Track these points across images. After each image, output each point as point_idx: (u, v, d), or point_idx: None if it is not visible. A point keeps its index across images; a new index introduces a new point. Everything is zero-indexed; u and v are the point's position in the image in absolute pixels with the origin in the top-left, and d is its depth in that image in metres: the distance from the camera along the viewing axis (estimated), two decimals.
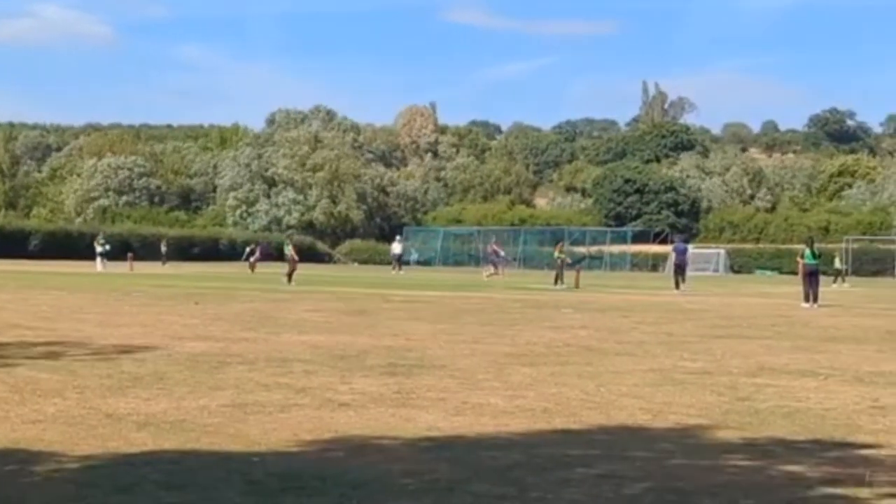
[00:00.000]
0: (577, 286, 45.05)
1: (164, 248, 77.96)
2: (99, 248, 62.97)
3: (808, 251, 35.89)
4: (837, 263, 61.08)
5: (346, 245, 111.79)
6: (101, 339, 17.02)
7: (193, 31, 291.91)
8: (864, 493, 7.04)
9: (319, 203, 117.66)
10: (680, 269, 48.72)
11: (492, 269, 52.58)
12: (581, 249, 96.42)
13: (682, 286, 45.89)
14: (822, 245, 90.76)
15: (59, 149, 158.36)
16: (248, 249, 69.82)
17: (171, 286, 38.51)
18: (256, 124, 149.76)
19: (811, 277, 34.76)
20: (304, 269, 61.90)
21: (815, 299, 33.58)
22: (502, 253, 54.40)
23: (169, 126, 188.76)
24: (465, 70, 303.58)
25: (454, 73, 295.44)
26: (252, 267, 62.37)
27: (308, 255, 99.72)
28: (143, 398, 10.76)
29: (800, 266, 36.11)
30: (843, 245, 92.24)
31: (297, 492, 6.83)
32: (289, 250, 45.90)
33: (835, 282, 58.99)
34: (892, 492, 7.12)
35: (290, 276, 43.07)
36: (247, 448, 8.33)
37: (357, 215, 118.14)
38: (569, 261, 50.24)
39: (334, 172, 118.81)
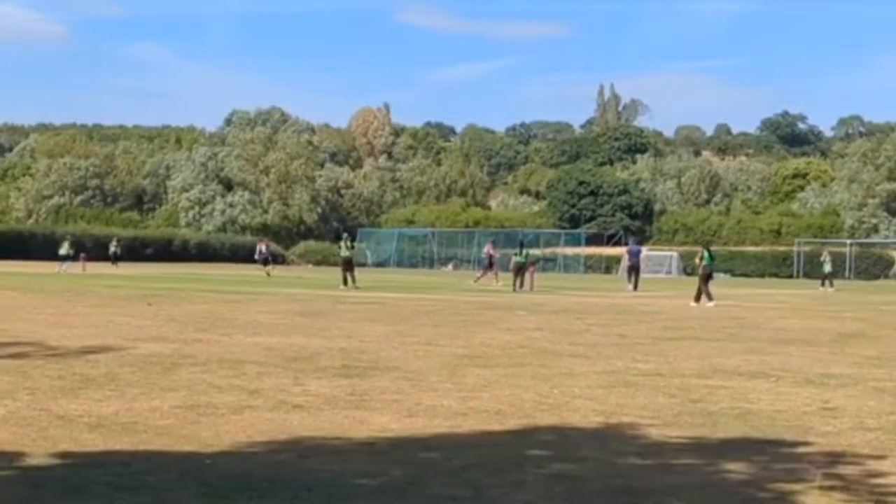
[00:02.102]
0: (531, 288, 45.13)
1: (112, 249, 77.35)
2: (62, 251, 63.48)
3: (706, 253, 37.06)
4: (827, 267, 61.23)
5: (301, 246, 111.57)
6: (53, 339, 16.89)
7: (148, 31, 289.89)
8: (812, 491, 7.10)
9: (272, 204, 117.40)
10: (634, 271, 49.12)
11: (480, 273, 52.23)
12: (535, 251, 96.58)
13: (634, 287, 46.27)
14: (803, 248, 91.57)
15: (10, 149, 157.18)
16: (262, 250, 66.99)
17: (124, 287, 38.28)
18: (211, 125, 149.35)
19: (708, 279, 36.04)
20: (257, 271, 61.80)
21: (710, 298, 34.36)
22: (497, 256, 53.97)
23: (122, 126, 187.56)
24: (419, 71, 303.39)
25: (409, 74, 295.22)
26: (268, 272, 60.65)
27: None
28: (95, 399, 10.69)
29: (699, 267, 37.19)
30: (847, 249, 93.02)
31: (249, 493, 6.81)
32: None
33: (822, 285, 59.26)
34: (838, 487, 7.18)
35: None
36: (199, 450, 8.29)
37: (310, 217, 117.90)
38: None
39: (285, 174, 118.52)
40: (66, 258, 62.45)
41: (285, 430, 9.18)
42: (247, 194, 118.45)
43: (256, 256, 66.94)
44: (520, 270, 46.10)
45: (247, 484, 7.08)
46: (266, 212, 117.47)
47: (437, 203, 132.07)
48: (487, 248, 54.97)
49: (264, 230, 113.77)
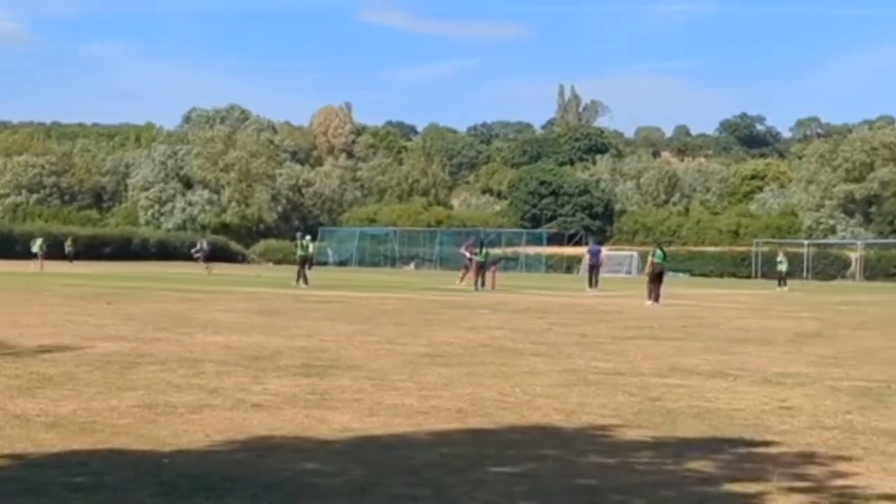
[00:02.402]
0: (493, 288, 45.18)
1: (68, 248, 76.84)
2: (35, 249, 64.26)
3: (658, 251, 37.19)
4: (782, 267, 61.55)
5: (261, 245, 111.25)
6: (9, 339, 16.76)
7: (107, 28, 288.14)
8: (770, 490, 7.14)
9: (232, 202, 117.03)
10: (594, 271, 49.34)
11: (462, 272, 51.93)
12: (497, 251, 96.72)
13: (594, 286, 46.48)
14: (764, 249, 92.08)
15: None
16: (202, 247, 67.44)
17: (82, 285, 38.06)
18: (171, 123, 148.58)
19: (658, 277, 35.95)
20: (217, 269, 61.59)
21: (657, 298, 34.40)
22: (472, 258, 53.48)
23: (81, 125, 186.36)
24: (381, 71, 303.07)
25: (370, 73, 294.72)
26: (208, 269, 60.93)
27: (221, 254, 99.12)
28: (53, 399, 10.62)
29: (649, 265, 37.30)
30: (804, 249, 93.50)
31: (208, 493, 6.77)
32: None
33: (779, 285, 59.54)
34: (796, 486, 7.23)
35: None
36: (157, 449, 8.25)
37: (270, 216, 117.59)
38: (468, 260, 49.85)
39: (245, 172, 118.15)
40: (38, 255, 63.17)
41: (244, 430, 9.15)
42: (206, 192, 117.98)
43: (194, 253, 66.98)
44: (481, 269, 46.15)
45: (205, 483, 7.05)
46: (226, 210, 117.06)
47: (398, 202, 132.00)
48: (466, 248, 54.72)
49: (224, 228, 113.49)
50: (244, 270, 73.67)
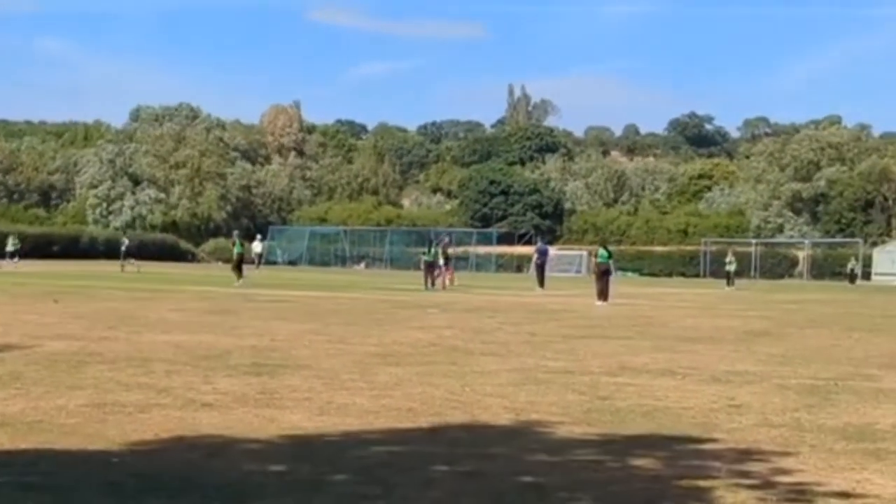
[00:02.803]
0: (443, 287, 45.25)
1: (10, 246, 76.12)
2: (10, 248, 64.48)
3: (602, 251, 37.29)
4: (730, 267, 61.95)
5: (210, 244, 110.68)
6: None
7: (53, 25, 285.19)
8: (718, 487, 7.20)
9: (182, 201, 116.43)
10: (540, 270, 49.63)
11: (444, 272, 51.73)
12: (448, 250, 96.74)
13: (543, 287, 46.69)
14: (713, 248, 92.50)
15: None
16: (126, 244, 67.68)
17: (29, 284, 37.76)
18: (118, 121, 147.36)
19: (604, 276, 35.83)
20: (166, 269, 61.29)
21: (606, 297, 34.51)
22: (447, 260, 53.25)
23: (29, 122, 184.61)
24: (330, 69, 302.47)
25: (320, 72, 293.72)
26: (129, 266, 61.00)
27: (170, 253, 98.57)
28: (0, 398, 10.54)
29: (594, 265, 37.39)
30: (752, 248, 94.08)
31: (157, 493, 6.75)
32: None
33: (728, 284, 59.89)
34: (744, 483, 7.29)
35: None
36: (106, 448, 8.21)
37: (220, 214, 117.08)
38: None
39: (196, 171, 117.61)
40: (13, 255, 63.34)
41: (194, 429, 9.12)
42: (155, 191, 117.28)
43: (123, 250, 67.06)
44: (430, 269, 46.16)
45: (155, 483, 7.03)
46: (175, 208, 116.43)
47: (348, 201, 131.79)
48: (443, 247, 54.58)
49: (173, 227, 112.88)
50: (193, 269, 73.30)
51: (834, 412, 10.92)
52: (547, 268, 52.88)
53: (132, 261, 62.82)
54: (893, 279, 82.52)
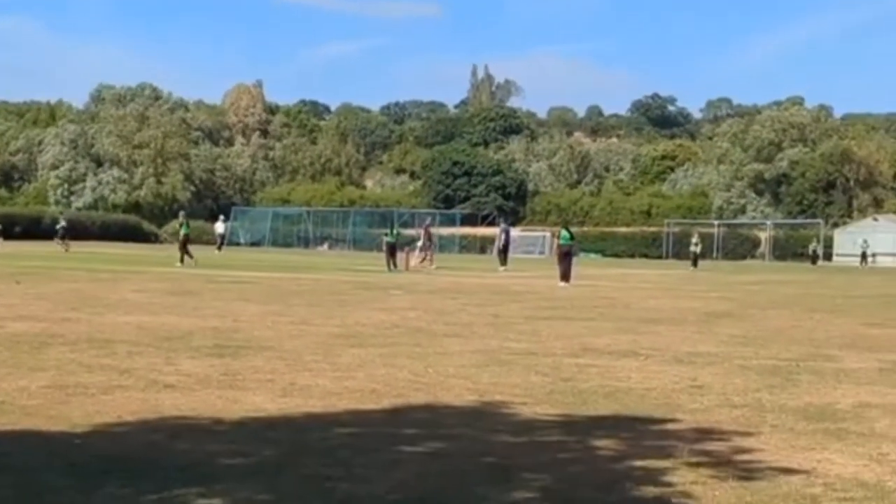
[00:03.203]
0: (406, 268, 45.26)
1: None
2: None
3: (564, 232, 37.30)
4: (695, 248, 62.14)
5: (173, 225, 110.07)
6: None
7: (14, 4, 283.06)
8: (679, 467, 7.24)
9: (146, 182, 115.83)
10: (504, 251, 49.81)
11: (422, 256, 51.59)
12: (410, 232, 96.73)
13: (505, 267, 46.88)
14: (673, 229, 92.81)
15: None
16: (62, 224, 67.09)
17: None
18: (80, 101, 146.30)
19: (566, 258, 35.87)
20: (128, 250, 60.98)
21: (568, 279, 34.58)
22: (424, 241, 53.20)
23: None
24: (293, 49, 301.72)
25: (283, 52, 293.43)
26: (65, 247, 60.53)
27: (133, 234, 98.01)
28: None
29: (556, 246, 37.44)
30: (715, 229, 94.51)
31: (120, 474, 6.73)
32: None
33: (693, 265, 60.05)
34: (705, 462, 7.34)
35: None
36: (69, 430, 8.18)
37: (184, 195, 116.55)
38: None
39: (160, 151, 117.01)
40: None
41: (157, 411, 9.10)
42: (118, 171, 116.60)
43: (58, 229, 66.57)
44: (392, 250, 46.15)
45: (118, 464, 7.01)
46: (139, 188, 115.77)
47: (312, 182, 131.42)
48: (424, 228, 54.43)
49: (136, 208, 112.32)
50: (156, 251, 72.95)
51: (795, 392, 11.00)
52: (510, 249, 53.09)
53: (61, 240, 62.10)
54: (854, 260, 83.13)
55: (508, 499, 6.35)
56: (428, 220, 59.17)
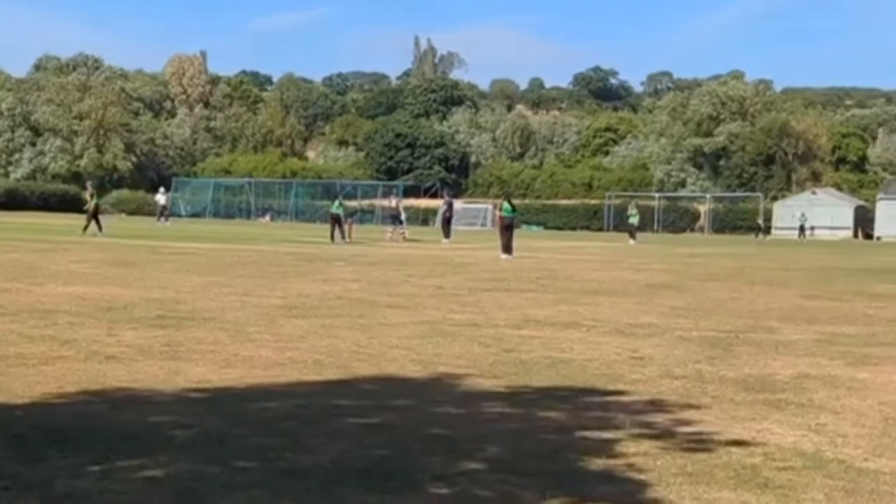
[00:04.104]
0: (349, 240, 45.18)
1: None
2: None
3: (506, 204, 37.43)
4: (633, 220, 62.21)
5: (114, 195, 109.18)
6: None
7: None
8: (621, 437, 7.30)
9: (87, 152, 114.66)
10: (447, 223, 49.95)
11: (399, 228, 51.41)
12: (353, 203, 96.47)
13: (448, 239, 47.00)
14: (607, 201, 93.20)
15: None
16: None
17: None
18: (19, 71, 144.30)
19: (508, 230, 36.04)
20: (68, 220, 60.42)
21: (510, 251, 34.77)
22: (403, 215, 53.15)
23: None
24: (235, 19, 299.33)
25: (224, 21, 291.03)
26: None
27: (73, 205, 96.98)
28: None
29: (498, 218, 37.59)
30: (655, 202, 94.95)
31: (61, 445, 6.69)
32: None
33: (632, 238, 60.11)
34: (647, 433, 7.41)
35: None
36: (9, 401, 8.12)
37: (125, 165, 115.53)
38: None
39: (101, 121, 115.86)
40: None
41: (98, 382, 9.05)
42: (58, 141, 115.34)
43: None
44: (336, 222, 46.05)
45: (59, 435, 6.96)
46: (80, 157, 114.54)
47: (254, 153, 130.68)
48: (395, 202, 54.25)
49: (76, 178, 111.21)
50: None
51: (735, 364, 11.11)
52: (453, 221, 53.21)
53: None
54: (793, 233, 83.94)
55: (452, 470, 6.37)
56: (395, 192, 59.26)
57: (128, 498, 5.59)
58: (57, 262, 24.76)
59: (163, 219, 71.66)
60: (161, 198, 76.06)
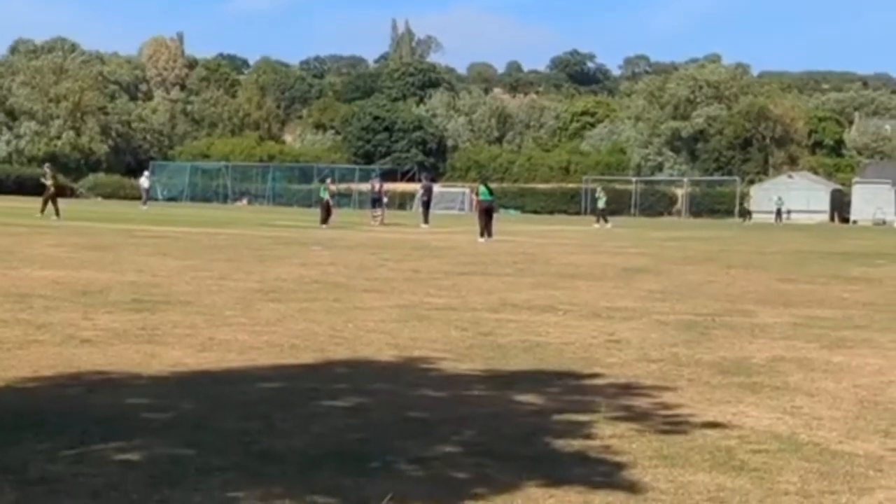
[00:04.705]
0: (326, 223, 45.12)
1: None
2: None
3: (482, 188, 37.57)
4: (601, 203, 62.16)
5: (90, 179, 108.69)
6: None
7: None
8: (598, 420, 7.32)
9: (64, 134, 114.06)
10: (426, 207, 49.95)
11: (376, 212, 51.37)
12: (330, 187, 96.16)
13: (427, 223, 46.99)
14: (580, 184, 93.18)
15: None
16: None
17: None
18: None
19: (486, 214, 36.14)
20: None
21: (490, 234, 34.89)
22: (385, 198, 53.05)
23: None
24: (212, 2, 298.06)
25: (201, 4, 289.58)
26: None
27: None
28: None
29: (475, 202, 37.73)
30: (632, 186, 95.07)
31: (37, 429, 6.67)
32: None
33: (598, 221, 60.06)
34: (623, 416, 7.43)
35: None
36: None
37: (102, 148, 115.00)
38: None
39: (77, 104, 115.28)
40: None
41: (74, 365, 9.02)
42: (34, 124, 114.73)
43: None
44: (328, 207, 46.15)
45: (34, 419, 6.94)
46: (58, 138, 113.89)
47: (231, 136, 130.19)
48: (377, 186, 54.09)
49: (53, 161, 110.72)
50: (73, 205, 71.93)
51: (711, 347, 11.14)
52: (431, 205, 53.14)
53: None
54: (770, 216, 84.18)
55: (428, 453, 6.38)
56: (376, 175, 59.10)
57: (103, 481, 5.57)
58: (32, 245, 24.65)
59: (144, 202, 71.28)
60: (145, 181, 75.59)
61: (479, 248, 30.44)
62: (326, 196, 46.63)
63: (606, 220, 59.25)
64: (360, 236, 36.19)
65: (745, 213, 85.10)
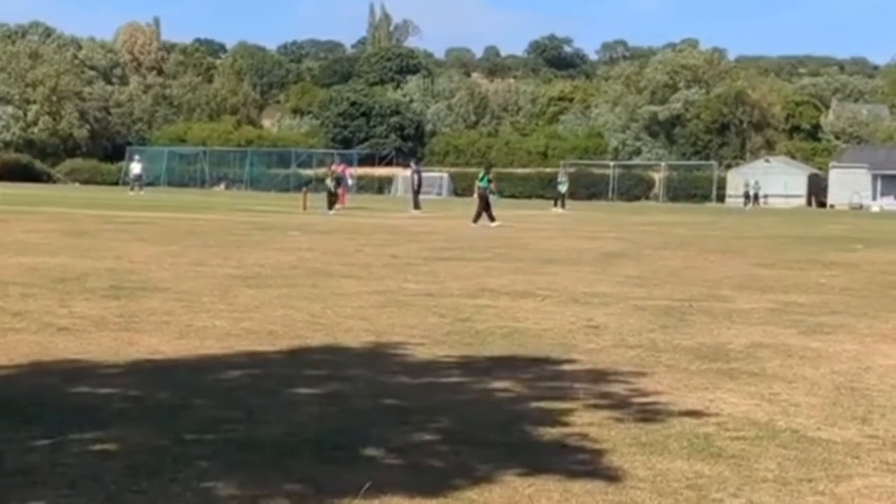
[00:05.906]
0: (304, 209, 45.09)
1: None
2: None
3: (480, 174, 38.25)
4: (562, 188, 62.16)
5: (67, 164, 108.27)
6: None
7: None
8: (577, 407, 7.32)
9: (41, 119, 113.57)
10: (417, 192, 49.98)
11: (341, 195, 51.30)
12: (308, 172, 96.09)
13: (419, 208, 47.05)
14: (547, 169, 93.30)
15: None
16: None
17: None
18: None
19: (480, 199, 37.31)
20: (20, 190, 59.92)
21: (491, 219, 35.25)
22: (350, 181, 52.82)
23: None
24: None
25: None
26: None
27: (25, 174, 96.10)
28: None
29: (476, 189, 38.42)
30: (610, 170, 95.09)
31: (13, 418, 6.63)
32: None
33: (555, 205, 60.14)
34: (601, 403, 7.43)
35: None
36: None
37: (80, 133, 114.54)
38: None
39: (54, 89, 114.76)
40: None
41: (51, 353, 8.98)
42: (10, 109, 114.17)
43: None
44: (331, 193, 46.26)
45: (11, 408, 6.90)
46: (35, 123, 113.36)
47: (208, 121, 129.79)
48: (343, 169, 53.85)
49: (29, 146, 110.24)
50: (50, 190, 71.68)
51: (689, 333, 11.16)
52: (410, 190, 53.01)
53: None
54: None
55: (406, 440, 6.37)
56: (337, 160, 58.94)
57: (80, 471, 5.55)
58: (8, 231, 24.55)
59: (136, 188, 70.78)
60: (136, 167, 75.05)
61: (464, 233, 30.40)
62: (328, 182, 46.81)
63: (564, 205, 59.22)
64: (337, 221, 36.14)
65: (749, 198, 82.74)
